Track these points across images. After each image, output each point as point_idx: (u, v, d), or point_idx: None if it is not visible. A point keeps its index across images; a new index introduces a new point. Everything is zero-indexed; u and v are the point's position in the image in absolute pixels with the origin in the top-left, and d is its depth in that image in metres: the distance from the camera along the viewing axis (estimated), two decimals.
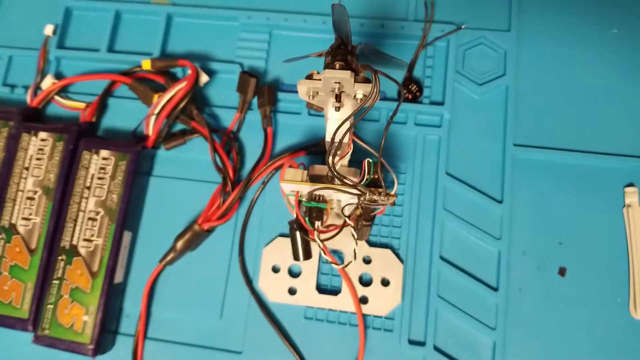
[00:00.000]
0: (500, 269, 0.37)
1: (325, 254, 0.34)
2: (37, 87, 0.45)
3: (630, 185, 0.38)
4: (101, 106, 0.44)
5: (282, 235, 0.39)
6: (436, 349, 0.37)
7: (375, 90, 0.28)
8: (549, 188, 0.39)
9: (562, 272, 0.37)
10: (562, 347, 0.36)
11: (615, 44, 0.41)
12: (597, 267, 0.37)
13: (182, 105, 0.41)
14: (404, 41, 0.43)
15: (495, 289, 0.37)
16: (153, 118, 0.41)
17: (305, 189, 0.33)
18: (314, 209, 0.33)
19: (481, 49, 0.42)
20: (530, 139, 0.40)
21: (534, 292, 0.37)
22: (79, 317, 0.37)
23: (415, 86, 0.41)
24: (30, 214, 0.39)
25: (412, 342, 0.37)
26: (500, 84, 0.41)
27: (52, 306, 0.37)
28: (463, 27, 0.42)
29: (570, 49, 0.41)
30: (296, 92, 0.33)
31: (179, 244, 0.38)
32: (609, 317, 0.36)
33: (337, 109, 0.30)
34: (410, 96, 0.41)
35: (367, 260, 0.38)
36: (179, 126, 0.43)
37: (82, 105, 0.44)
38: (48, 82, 0.45)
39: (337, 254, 0.38)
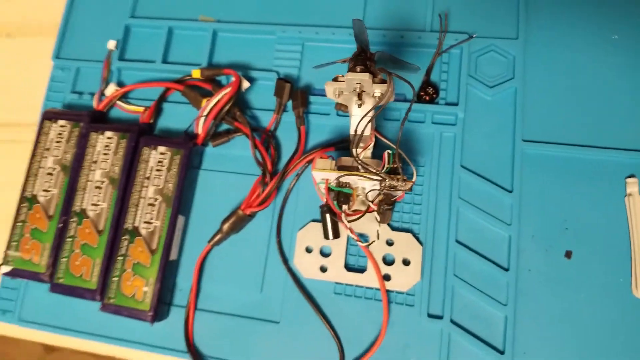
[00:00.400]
0: (510, 251, 0.41)
1: (351, 232, 0.39)
2: (102, 94, 0.50)
3: (631, 176, 0.41)
4: (157, 110, 0.49)
5: (314, 220, 0.44)
6: (453, 322, 0.40)
7: (389, 89, 0.33)
8: (555, 179, 0.42)
9: (568, 254, 0.41)
10: (567, 322, 0.39)
11: (615, 49, 0.44)
12: (601, 250, 0.40)
13: (227, 108, 0.46)
14: (421, 49, 0.47)
15: (506, 269, 0.41)
16: (202, 119, 0.46)
17: (333, 175, 0.37)
18: (341, 194, 0.38)
19: (492, 55, 0.45)
20: (538, 135, 0.43)
21: (542, 272, 0.40)
22: (140, 288, 0.42)
23: (432, 89, 0.45)
24: (98, 201, 0.45)
25: (431, 315, 0.41)
26: (510, 86, 0.44)
27: (117, 278, 0.42)
28: (474, 36, 0.46)
29: (573, 54, 0.45)
30: (325, 95, 0.38)
31: (225, 227, 0.44)
32: (611, 296, 0.39)
33: (359, 105, 0.35)
34: (427, 98, 0.45)
35: (390, 243, 0.42)
36: (225, 126, 0.47)
37: (140, 109, 0.49)
38: (111, 89, 0.50)
39: (363, 237, 0.43)
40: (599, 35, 0.45)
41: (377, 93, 0.34)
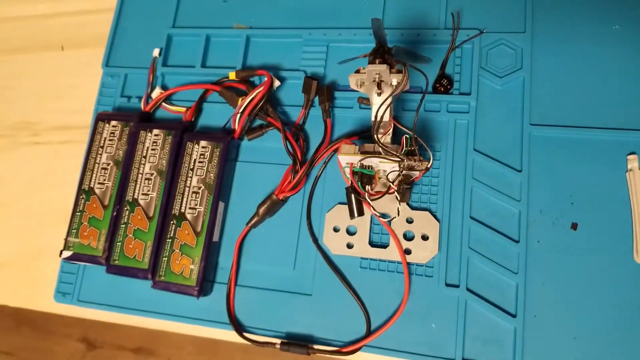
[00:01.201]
0: (520, 225, 0.44)
1: (373, 210, 0.43)
2: (149, 97, 0.55)
3: (632, 153, 0.44)
4: (198, 109, 0.53)
5: (341, 203, 0.48)
6: (468, 289, 0.44)
7: (405, 77, 0.37)
8: (561, 158, 0.45)
9: (574, 226, 0.44)
10: (574, 288, 0.42)
11: (616, 38, 0.47)
12: (605, 222, 0.43)
13: (260, 105, 0.50)
14: (436, 46, 0.50)
15: (516, 241, 0.44)
16: (238, 116, 0.50)
17: (357, 158, 0.42)
18: (365, 176, 0.43)
19: (501, 48, 0.49)
20: (544, 119, 0.46)
21: (550, 243, 0.43)
22: (187, 266, 0.47)
23: (446, 81, 0.48)
24: (148, 191, 0.50)
25: (448, 284, 0.44)
26: (518, 76, 0.48)
27: (166, 258, 0.47)
28: (485, 31, 0.49)
29: (576, 44, 0.48)
30: (350, 90, 0.42)
31: (261, 210, 0.48)
32: (614, 262, 0.42)
33: (379, 94, 0.39)
34: (442, 89, 0.49)
35: (409, 221, 0.46)
36: (258, 121, 0.52)
37: (183, 109, 0.53)
38: (156, 92, 0.54)
39: (385, 216, 0.47)
40: (600, 26, 0.48)
41: (394, 82, 0.38)
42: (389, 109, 0.39)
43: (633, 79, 0.46)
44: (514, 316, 0.43)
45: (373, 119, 0.40)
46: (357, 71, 0.39)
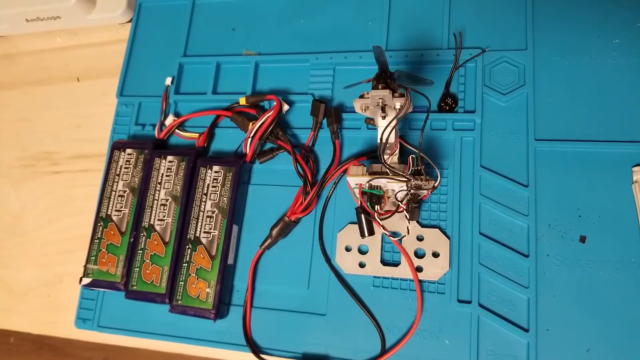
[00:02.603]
0: (529, 240, 0.45)
1: (383, 229, 0.44)
2: (162, 124, 0.56)
3: (637, 165, 0.44)
4: (210, 135, 0.55)
5: (352, 222, 0.49)
6: (480, 305, 0.44)
7: (407, 101, 0.38)
8: (567, 172, 0.46)
9: (582, 239, 0.44)
10: (585, 300, 0.43)
11: (616, 52, 0.48)
12: (613, 233, 0.43)
13: (270, 129, 0.51)
14: (440, 65, 0.51)
15: (526, 256, 0.44)
16: (249, 140, 0.52)
17: (365, 179, 0.43)
18: (374, 196, 0.44)
19: (504, 66, 0.50)
20: (549, 134, 0.47)
21: (559, 256, 0.44)
22: (203, 289, 0.48)
23: (451, 99, 0.49)
24: (164, 216, 0.51)
25: (460, 301, 0.45)
26: (521, 92, 0.48)
27: (182, 283, 0.48)
28: (487, 49, 0.50)
29: (578, 59, 0.48)
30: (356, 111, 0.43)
31: (274, 232, 0.49)
32: (624, 274, 0.42)
33: (383, 117, 0.41)
34: (447, 108, 0.50)
35: (420, 238, 0.47)
36: (269, 145, 0.53)
37: (196, 135, 0.54)
38: (170, 120, 0.56)
39: (395, 234, 0.48)
40: (601, 40, 0.49)
41: (398, 105, 0.39)
42: (394, 131, 0.40)
43: (635, 91, 0.47)
44: (527, 330, 0.43)
45: (379, 140, 0.41)
46: (362, 96, 0.41)
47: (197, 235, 0.49)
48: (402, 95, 0.39)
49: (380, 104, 0.39)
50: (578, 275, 0.43)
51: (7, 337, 0.61)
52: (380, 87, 0.39)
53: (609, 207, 0.45)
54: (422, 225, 0.48)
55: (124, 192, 0.53)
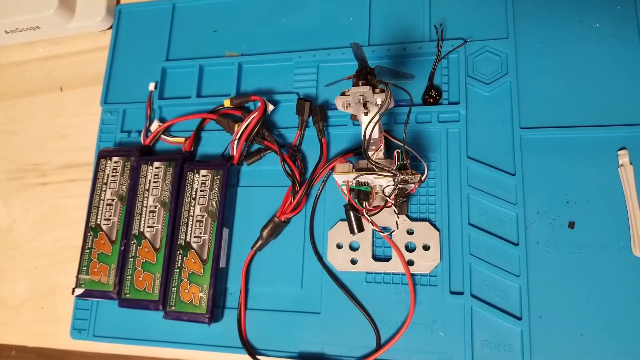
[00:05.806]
0: (519, 228, 0.45)
1: (373, 225, 0.44)
2: (147, 130, 0.56)
3: (622, 148, 0.45)
4: (196, 138, 0.55)
5: (342, 220, 0.49)
6: (473, 296, 0.44)
7: (388, 97, 0.38)
8: (553, 159, 0.46)
9: (571, 225, 0.44)
10: (576, 285, 0.43)
11: (597, 36, 0.48)
12: (601, 218, 0.44)
13: (256, 130, 0.51)
14: (423, 58, 0.51)
15: (516, 244, 0.45)
16: (236, 142, 0.51)
17: (352, 176, 0.43)
18: (361, 192, 0.43)
19: (486, 56, 0.50)
20: (534, 122, 0.47)
21: (549, 243, 0.44)
22: (196, 294, 0.48)
23: (435, 92, 0.49)
24: (153, 223, 0.51)
25: (453, 292, 0.45)
26: (505, 81, 0.49)
27: (175, 288, 0.48)
28: (468, 40, 0.50)
29: (559, 45, 0.48)
30: None
31: (265, 233, 0.49)
32: (613, 257, 0.43)
33: (365, 114, 0.40)
34: (432, 100, 0.50)
35: (410, 232, 0.47)
36: (256, 146, 0.52)
37: (182, 139, 0.54)
38: (155, 126, 0.55)
39: (386, 229, 0.48)
40: (581, 25, 0.49)
41: (379, 101, 0.39)
42: (377, 126, 0.40)
43: (617, 75, 0.47)
44: (520, 318, 0.43)
45: (363, 137, 0.41)
46: (343, 94, 0.41)
47: (188, 240, 0.49)
48: (383, 91, 0.39)
49: (362, 101, 0.39)
50: (568, 261, 0.44)
51: (9, 351, 0.61)
52: (360, 83, 0.39)
53: (596, 191, 0.45)
54: (412, 219, 0.48)
55: (112, 200, 0.53)
